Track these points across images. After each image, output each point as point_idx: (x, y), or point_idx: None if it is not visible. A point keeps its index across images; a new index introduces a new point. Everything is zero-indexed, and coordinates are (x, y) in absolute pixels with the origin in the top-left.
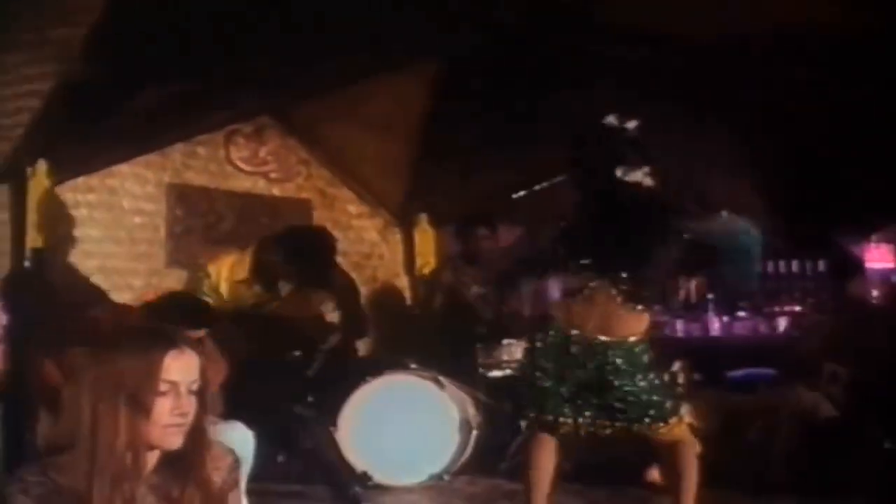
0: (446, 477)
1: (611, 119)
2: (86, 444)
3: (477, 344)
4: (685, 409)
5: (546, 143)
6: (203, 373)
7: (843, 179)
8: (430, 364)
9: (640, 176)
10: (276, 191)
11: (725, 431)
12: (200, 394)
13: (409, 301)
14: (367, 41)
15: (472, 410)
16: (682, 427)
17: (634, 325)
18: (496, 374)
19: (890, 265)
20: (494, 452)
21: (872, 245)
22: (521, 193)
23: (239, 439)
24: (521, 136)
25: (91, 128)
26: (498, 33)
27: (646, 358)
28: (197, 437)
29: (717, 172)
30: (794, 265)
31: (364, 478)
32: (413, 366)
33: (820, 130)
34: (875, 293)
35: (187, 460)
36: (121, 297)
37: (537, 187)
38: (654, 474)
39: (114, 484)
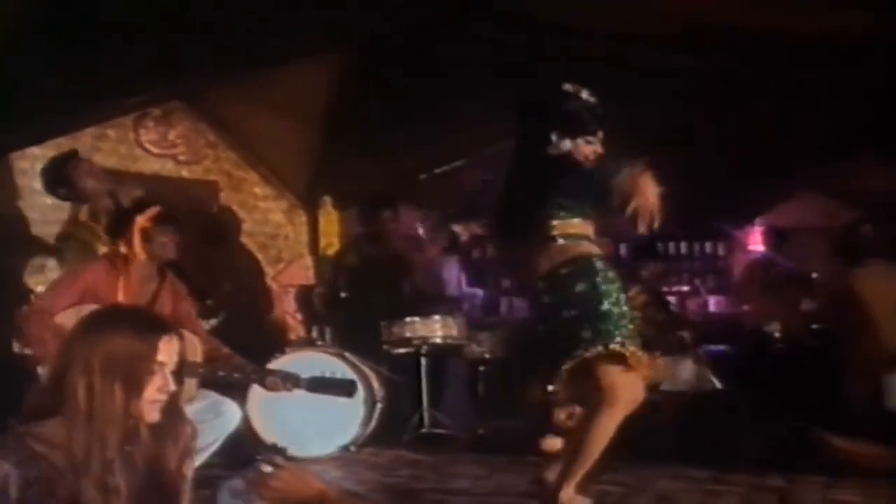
0: (352, 448)
1: (568, 86)
2: (80, 417)
3: (381, 322)
4: (618, 341)
5: (448, 127)
6: (181, 353)
7: (728, 167)
8: (335, 341)
9: (582, 144)
10: (184, 172)
11: None
12: (178, 372)
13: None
14: (276, 29)
15: (376, 385)
16: (607, 367)
17: (555, 256)
18: (400, 350)
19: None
20: (398, 425)
21: (756, 228)
22: (425, 176)
23: (229, 415)
24: (425, 122)
25: (3, 112)
26: (403, 20)
27: (570, 288)
28: (171, 411)
29: None
30: (683, 247)
31: (276, 450)
32: (319, 342)
33: (709, 118)
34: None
35: (160, 432)
36: (33, 279)
37: (439, 170)
38: (549, 443)
39: (107, 454)
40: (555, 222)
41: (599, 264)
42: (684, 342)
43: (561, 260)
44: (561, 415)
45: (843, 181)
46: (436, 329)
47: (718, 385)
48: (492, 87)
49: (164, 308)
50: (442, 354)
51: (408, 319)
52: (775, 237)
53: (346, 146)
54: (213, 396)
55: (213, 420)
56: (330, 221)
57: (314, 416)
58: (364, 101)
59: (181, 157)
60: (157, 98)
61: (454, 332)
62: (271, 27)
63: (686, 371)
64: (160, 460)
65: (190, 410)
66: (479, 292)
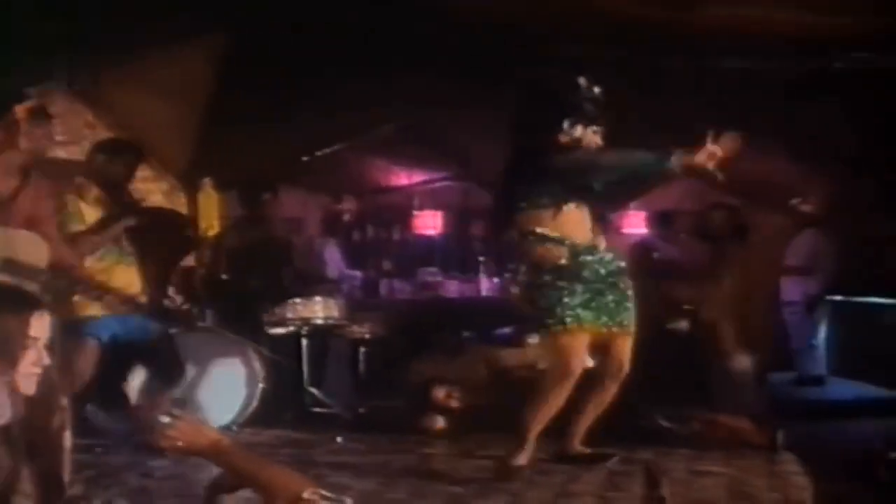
0: (234, 428)
1: (582, 79)
2: None
3: (262, 303)
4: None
5: (329, 111)
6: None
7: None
8: (217, 322)
9: (590, 132)
10: (61, 153)
11: (493, 381)
12: (50, 347)
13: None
14: (154, 9)
15: (257, 365)
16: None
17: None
18: (281, 331)
19: (643, 230)
20: (279, 404)
21: (630, 212)
22: (306, 158)
23: None
24: (307, 104)
25: None
26: (284, 6)
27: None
28: (47, 384)
29: (483, 143)
30: None
31: (175, 402)
32: (200, 323)
33: None
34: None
35: (37, 405)
36: None
37: (321, 153)
38: (429, 421)
39: None
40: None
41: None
42: None
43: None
44: (440, 394)
45: None
46: (317, 310)
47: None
48: (374, 70)
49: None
50: (323, 335)
51: (289, 301)
52: (657, 221)
53: (226, 128)
54: None
55: None
56: (210, 203)
57: (196, 396)
58: (245, 83)
59: (58, 138)
60: (34, 78)
61: (335, 313)
62: (149, 8)
63: None
64: (39, 433)
65: None
66: (359, 274)
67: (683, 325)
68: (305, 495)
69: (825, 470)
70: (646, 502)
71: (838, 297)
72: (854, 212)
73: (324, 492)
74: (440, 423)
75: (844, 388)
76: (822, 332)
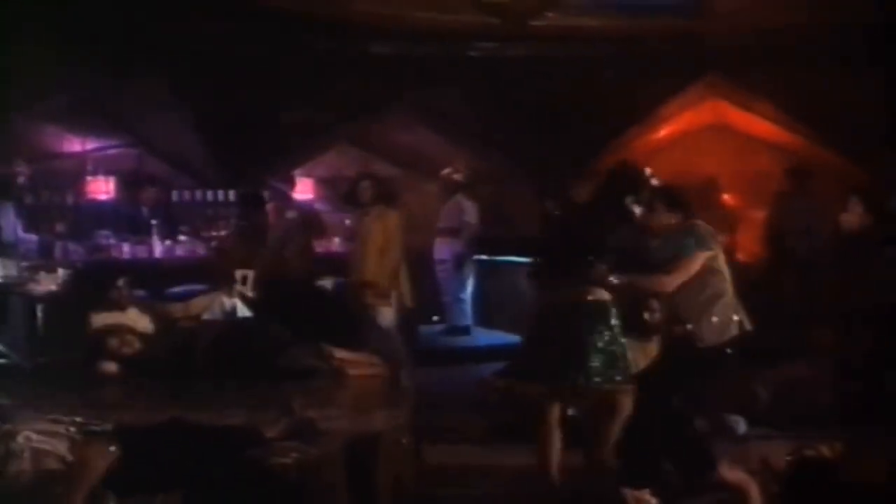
0: None
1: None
2: None
3: None
4: None
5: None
6: None
7: (268, 119)
8: None
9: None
10: None
11: (161, 330)
12: None
13: None
14: None
15: None
16: None
17: None
18: None
19: (311, 196)
20: None
21: (298, 179)
22: None
23: None
24: None
25: None
26: None
27: None
28: None
29: (159, 118)
30: (223, 195)
31: None
32: None
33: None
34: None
35: None
36: None
37: None
38: (104, 367)
39: None
40: None
41: None
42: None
43: None
44: (113, 342)
45: (374, 137)
46: None
47: (249, 314)
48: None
49: None
50: (2, 293)
51: None
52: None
53: None
54: None
55: None
56: None
57: None
58: None
59: None
60: None
61: (13, 272)
62: None
63: (224, 304)
64: None
65: None
66: (35, 237)
67: (328, 282)
68: None
69: (447, 399)
70: (282, 415)
71: (483, 257)
72: (494, 182)
73: None
74: (114, 368)
75: (486, 337)
76: (469, 288)
